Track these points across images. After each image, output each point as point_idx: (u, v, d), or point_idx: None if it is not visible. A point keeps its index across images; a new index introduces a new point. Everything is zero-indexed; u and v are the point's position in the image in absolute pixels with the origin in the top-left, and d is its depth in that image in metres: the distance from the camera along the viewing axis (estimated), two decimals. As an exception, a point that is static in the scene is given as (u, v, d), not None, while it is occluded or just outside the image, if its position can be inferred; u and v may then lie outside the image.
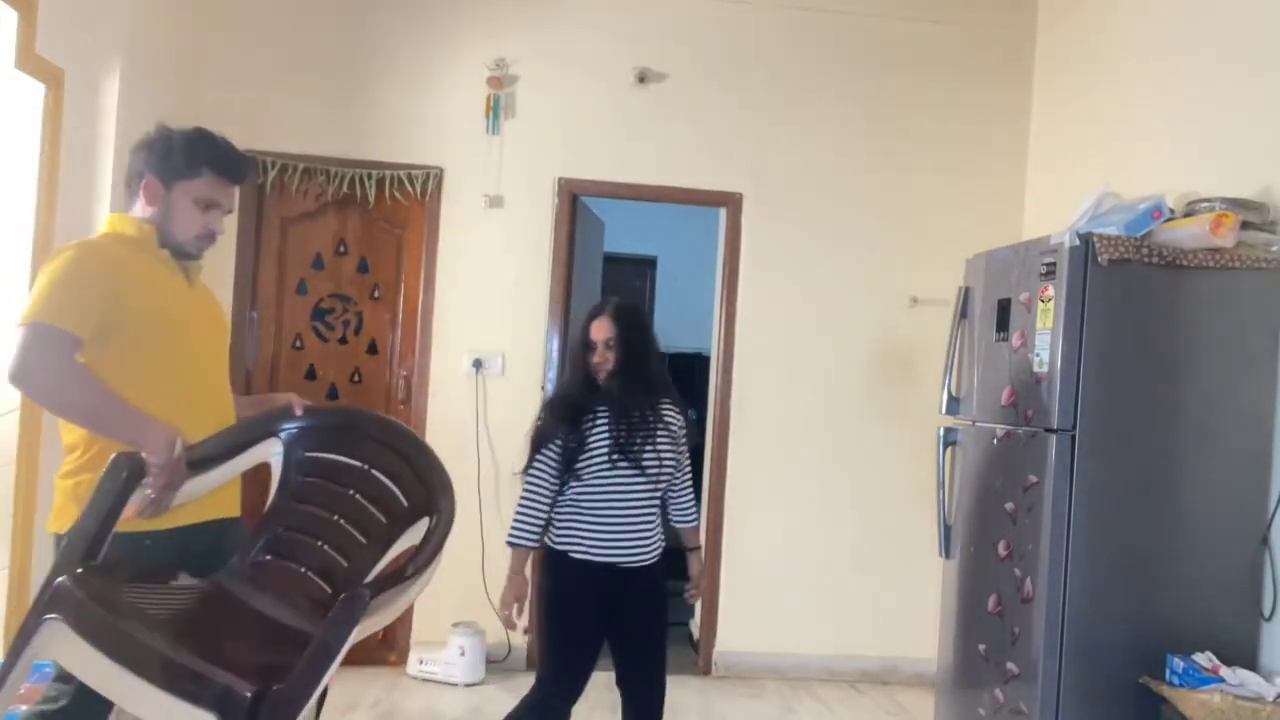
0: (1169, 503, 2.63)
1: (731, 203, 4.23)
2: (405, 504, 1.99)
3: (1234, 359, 2.67)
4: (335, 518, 2.01)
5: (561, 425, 2.45)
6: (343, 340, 4.05)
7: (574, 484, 2.44)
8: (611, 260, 5.40)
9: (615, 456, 2.41)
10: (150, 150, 1.97)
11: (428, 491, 1.98)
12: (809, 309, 4.23)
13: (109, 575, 1.70)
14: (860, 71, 4.27)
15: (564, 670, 2.45)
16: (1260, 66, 2.88)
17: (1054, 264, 2.70)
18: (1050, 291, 2.71)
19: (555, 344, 4.14)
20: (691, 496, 2.67)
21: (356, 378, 4.04)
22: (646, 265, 6.54)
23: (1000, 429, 2.94)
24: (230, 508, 2.08)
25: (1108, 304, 2.63)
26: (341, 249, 4.07)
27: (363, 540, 1.98)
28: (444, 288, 4.06)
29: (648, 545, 2.48)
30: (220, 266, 3.96)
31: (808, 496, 4.17)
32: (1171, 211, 2.77)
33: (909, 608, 3.98)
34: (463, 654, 3.79)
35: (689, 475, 2.67)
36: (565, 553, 2.44)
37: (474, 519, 3.84)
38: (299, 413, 2.06)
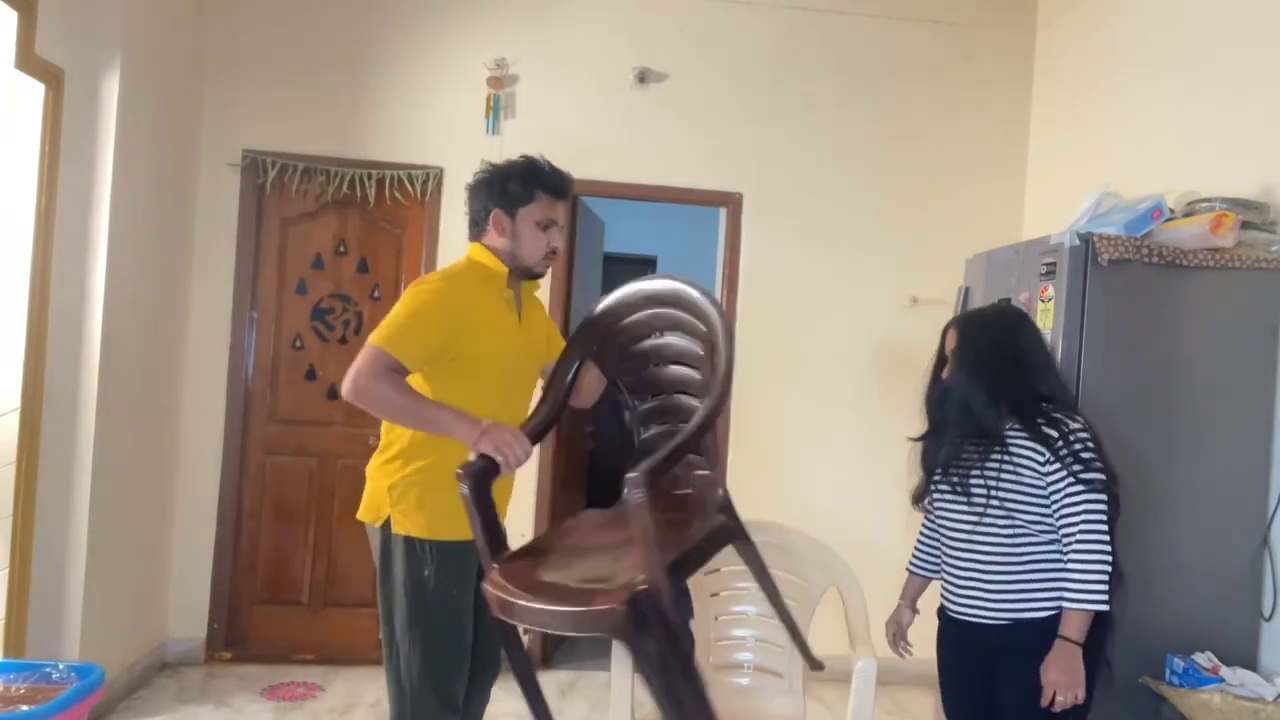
0: (1169, 503, 2.63)
1: (731, 203, 4.23)
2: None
3: (1234, 359, 2.67)
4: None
5: (920, 447, 2.30)
6: (343, 340, 4.05)
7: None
8: (611, 260, 5.40)
9: (935, 479, 2.20)
10: (490, 187, 2.24)
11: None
12: (809, 309, 4.23)
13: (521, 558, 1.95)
14: (860, 71, 4.26)
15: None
16: (1260, 66, 2.88)
17: (1054, 264, 2.70)
18: (1050, 291, 2.71)
19: (555, 344, 4.14)
20: (1082, 569, 1.99)
21: (356, 378, 4.03)
22: (646, 265, 6.54)
23: (1000, 429, 2.93)
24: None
25: (1108, 304, 2.63)
26: (341, 249, 4.07)
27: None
28: (444, 288, 4.06)
29: (978, 596, 2.12)
30: (220, 266, 3.97)
31: (807, 496, 4.17)
32: (1171, 211, 2.78)
33: (909, 608, 3.99)
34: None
35: (1081, 540, 1.99)
36: (941, 602, 2.27)
37: (474, 519, 3.83)
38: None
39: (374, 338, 2.07)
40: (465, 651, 2.22)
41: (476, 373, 2.15)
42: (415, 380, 2.13)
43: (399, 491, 2.15)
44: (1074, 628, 2.00)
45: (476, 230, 2.27)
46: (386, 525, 2.17)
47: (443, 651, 2.17)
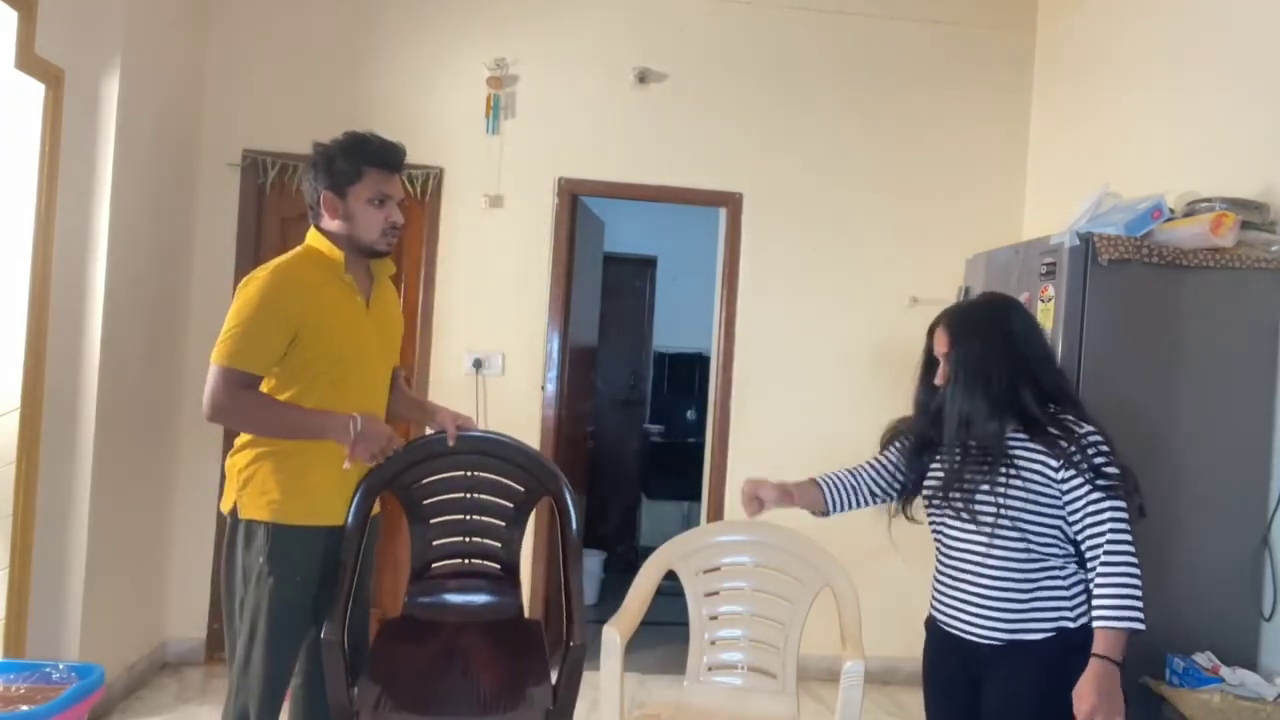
0: (1169, 502, 2.63)
1: (731, 203, 4.23)
2: (523, 490, 2.39)
3: (1234, 359, 2.67)
4: (468, 518, 2.40)
5: (902, 456, 2.19)
6: (342, 340, 4.05)
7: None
8: (611, 260, 5.40)
9: (938, 498, 2.04)
10: (316, 169, 2.13)
11: (538, 480, 2.38)
12: (809, 309, 4.23)
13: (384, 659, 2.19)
14: (860, 71, 4.27)
15: None
16: (1260, 67, 2.88)
17: (1054, 264, 2.70)
18: (1050, 291, 2.71)
19: (555, 344, 4.14)
20: (1115, 584, 1.79)
21: (356, 378, 4.03)
22: (646, 265, 6.54)
23: (1000, 429, 2.93)
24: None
25: (1108, 304, 2.63)
26: (341, 249, 4.06)
27: (501, 524, 2.40)
28: (444, 288, 4.06)
29: (986, 617, 1.95)
30: (220, 266, 3.97)
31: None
32: (1171, 211, 2.78)
33: (909, 608, 3.98)
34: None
35: (1109, 552, 1.81)
36: (930, 613, 2.15)
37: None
38: (451, 444, 2.32)
39: (215, 356, 2.00)
40: (299, 642, 2.15)
41: (319, 361, 2.07)
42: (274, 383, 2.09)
43: (246, 475, 2.10)
44: (1112, 646, 1.79)
45: (313, 215, 2.17)
46: (234, 512, 2.11)
47: (275, 643, 2.09)
